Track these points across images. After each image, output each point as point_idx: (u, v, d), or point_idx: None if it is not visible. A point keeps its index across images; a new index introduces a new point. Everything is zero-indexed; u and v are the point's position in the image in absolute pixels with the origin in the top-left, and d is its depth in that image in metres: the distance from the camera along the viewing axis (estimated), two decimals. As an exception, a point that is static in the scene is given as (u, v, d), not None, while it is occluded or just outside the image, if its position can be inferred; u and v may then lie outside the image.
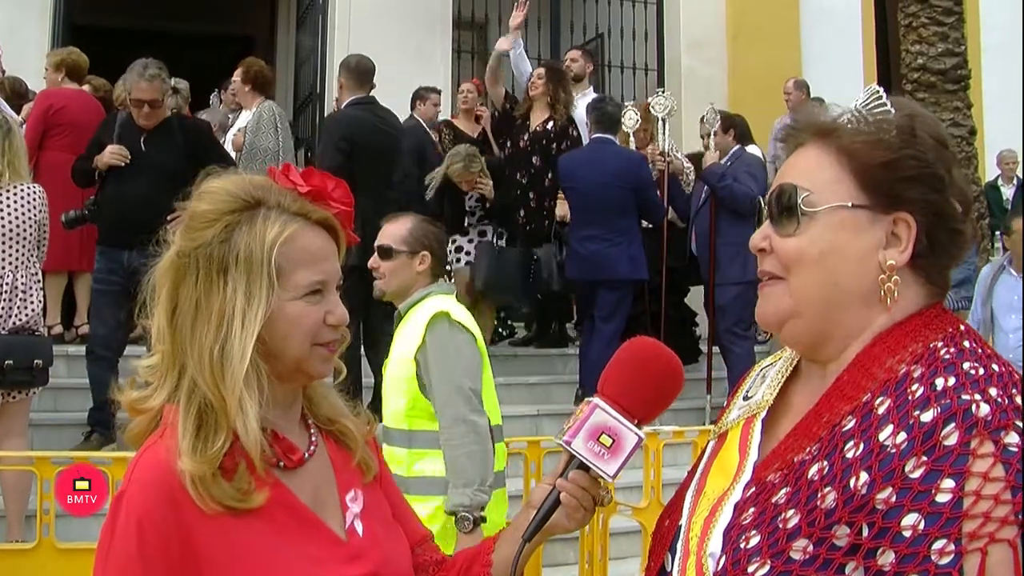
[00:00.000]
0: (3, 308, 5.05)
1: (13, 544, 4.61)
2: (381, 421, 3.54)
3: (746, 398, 1.47)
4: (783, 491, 1.24)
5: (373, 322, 5.97)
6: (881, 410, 1.21)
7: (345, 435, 1.63)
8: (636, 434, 1.48)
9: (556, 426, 1.54)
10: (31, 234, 5.21)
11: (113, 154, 5.79)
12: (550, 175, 7.61)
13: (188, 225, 1.50)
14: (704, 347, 7.67)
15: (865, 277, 1.30)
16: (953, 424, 1.15)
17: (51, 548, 3.94)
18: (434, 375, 3.42)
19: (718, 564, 1.25)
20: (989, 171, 11.10)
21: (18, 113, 7.13)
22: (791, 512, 1.20)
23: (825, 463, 1.21)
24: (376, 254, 3.60)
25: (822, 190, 1.32)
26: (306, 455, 1.54)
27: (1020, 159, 11.07)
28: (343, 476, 1.59)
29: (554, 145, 7.65)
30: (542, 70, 7.93)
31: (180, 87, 7.79)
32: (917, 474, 1.14)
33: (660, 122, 7.70)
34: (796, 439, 1.29)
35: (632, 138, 7.83)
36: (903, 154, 1.29)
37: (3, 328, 5.04)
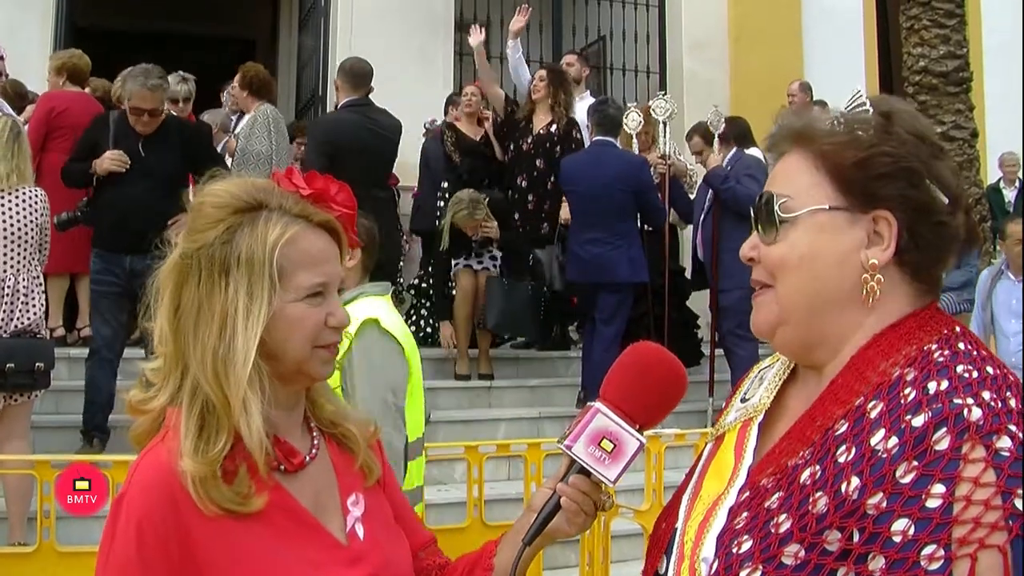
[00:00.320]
0: (5, 311, 5.06)
1: (14, 547, 4.61)
2: None
3: (744, 400, 1.46)
4: (776, 495, 1.23)
5: None
6: (873, 414, 1.20)
7: (348, 438, 1.63)
8: (637, 439, 1.48)
9: (557, 429, 1.54)
10: (33, 237, 5.22)
11: (113, 160, 5.78)
12: (552, 178, 7.61)
13: (191, 227, 1.51)
14: (707, 350, 7.67)
15: (848, 278, 1.29)
16: (944, 429, 1.14)
17: (52, 551, 3.93)
18: (358, 385, 3.21)
19: (711, 569, 1.25)
20: (991, 173, 11.09)
21: (18, 114, 7.13)
22: (783, 517, 1.20)
23: (817, 467, 1.21)
24: None
25: (800, 195, 1.32)
26: (307, 458, 1.54)
27: (1020, 161, 11.05)
28: (345, 479, 1.59)
29: (558, 148, 7.65)
30: (543, 72, 7.94)
31: (189, 78, 7.79)
32: (908, 479, 1.13)
33: (661, 125, 7.70)
34: (790, 443, 1.28)
35: (635, 140, 7.84)
36: (874, 151, 1.28)
37: (5, 331, 5.05)
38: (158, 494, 1.41)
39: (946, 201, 1.29)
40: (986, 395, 1.16)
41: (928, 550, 1.10)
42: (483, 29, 8.15)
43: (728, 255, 6.85)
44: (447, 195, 8.27)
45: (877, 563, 1.12)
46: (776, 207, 1.33)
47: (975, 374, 1.20)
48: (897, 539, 1.11)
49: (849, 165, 1.29)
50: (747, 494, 1.28)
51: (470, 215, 7.19)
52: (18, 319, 5.09)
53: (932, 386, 1.19)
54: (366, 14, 10.08)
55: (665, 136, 7.68)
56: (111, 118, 6.04)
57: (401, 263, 8.91)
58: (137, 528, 1.39)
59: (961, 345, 1.26)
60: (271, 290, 1.46)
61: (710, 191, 7.37)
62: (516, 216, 7.77)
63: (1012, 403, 1.16)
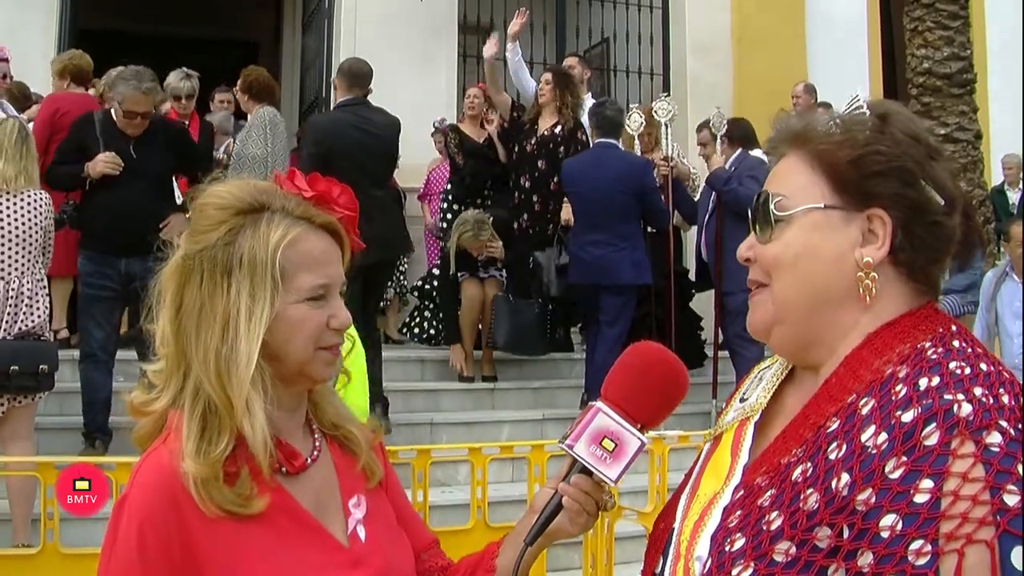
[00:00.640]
0: (9, 313, 5.07)
1: (17, 549, 4.62)
2: None
3: (742, 400, 1.47)
4: (768, 493, 1.23)
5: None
6: (865, 411, 1.21)
7: (350, 440, 1.63)
8: (639, 439, 1.48)
9: (561, 430, 1.54)
10: (38, 239, 5.24)
11: (108, 163, 5.76)
12: (555, 179, 7.61)
13: (193, 228, 1.52)
14: (710, 351, 7.67)
15: (843, 277, 1.30)
16: (934, 424, 1.14)
17: (55, 553, 3.94)
18: None
19: (704, 567, 1.25)
20: (995, 175, 11.08)
21: (21, 114, 7.15)
22: (775, 514, 1.20)
23: (809, 464, 1.21)
24: None
25: (795, 194, 1.33)
26: (308, 460, 1.54)
27: (1021, 163, 11.02)
28: (346, 481, 1.59)
29: (561, 149, 7.65)
30: (549, 75, 7.93)
31: (193, 74, 7.77)
32: (896, 475, 1.13)
33: (663, 127, 7.70)
34: (785, 441, 1.29)
35: (637, 141, 7.84)
36: (868, 150, 1.29)
37: (9, 333, 5.06)
38: (160, 496, 1.41)
39: (942, 202, 1.29)
40: (978, 391, 1.16)
41: (916, 545, 1.09)
42: (498, 41, 8.15)
43: (732, 257, 6.82)
44: (450, 196, 8.29)
45: (866, 559, 1.11)
46: (771, 206, 1.34)
47: (967, 370, 1.19)
48: (885, 534, 1.11)
49: (843, 164, 1.30)
50: (741, 493, 1.28)
51: (475, 236, 7.23)
52: (22, 321, 5.10)
53: (923, 382, 1.19)
54: (369, 16, 10.09)
55: (667, 138, 7.67)
56: (96, 119, 6.00)
57: (406, 265, 8.92)
58: (139, 530, 1.39)
59: (956, 343, 1.25)
60: (273, 291, 1.46)
61: (714, 192, 7.37)
62: (524, 217, 7.77)
63: (1005, 399, 1.16)
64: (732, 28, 11.43)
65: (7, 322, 5.05)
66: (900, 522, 1.11)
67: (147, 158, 5.87)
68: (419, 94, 9.48)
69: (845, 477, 1.16)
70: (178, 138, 6.26)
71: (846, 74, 10.47)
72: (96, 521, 3.64)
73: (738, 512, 1.25)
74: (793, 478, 1.21)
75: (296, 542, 1.47)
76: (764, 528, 1.20)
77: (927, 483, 1.11)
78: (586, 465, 1.48)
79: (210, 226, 1.49)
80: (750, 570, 1.18)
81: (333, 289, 1.53)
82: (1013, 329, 6.27)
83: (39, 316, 5.18)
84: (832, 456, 1.19)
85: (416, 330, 8.15)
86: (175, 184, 6.40)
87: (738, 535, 1.22)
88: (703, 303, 8.06)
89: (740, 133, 7.52)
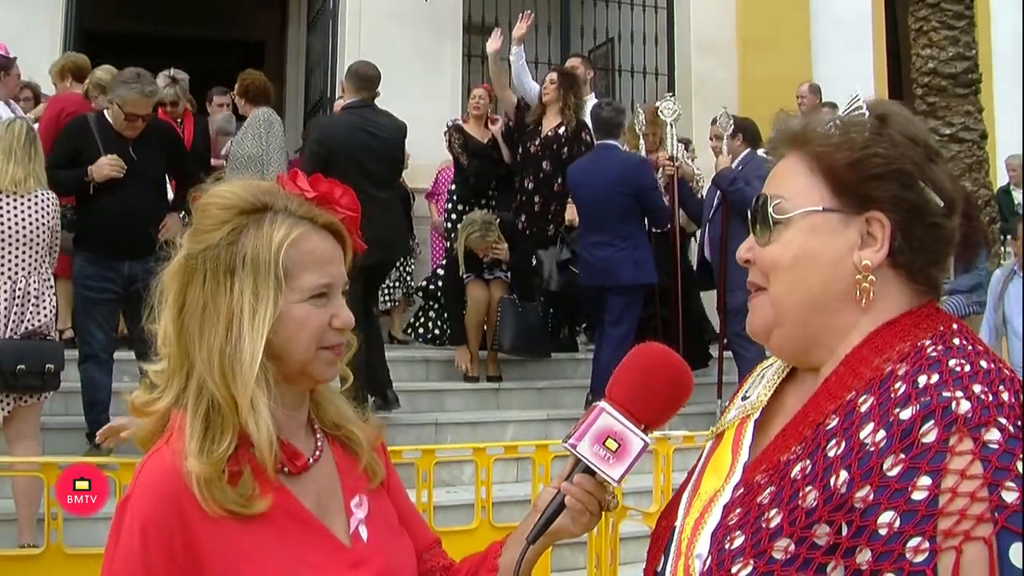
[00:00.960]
0: (16, 313, 5.09)
1: (22, 549, 4.62)
2: None
3: (744, 398, 1.47)
4: (768, 491, 1.23)
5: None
6: (863, 408, 1.20)
7: (352, 440, 1.63)
8: (642, 439, 1.48)
9: (565, 431, 1.54)
10: (45, 240, 5.26)
11: (112, 166, 5.76)
12: (559, 180, 7.61)
13: (196, 228, 1.52)
14: (715, 351, 7.66)
15: (841, 279, 1.30)
16: (932, 421, 1.14)
17: (59, 553, 3.94)
18: None
19: (704, 565, 1.25)
20: (1001, 174, 11.05)
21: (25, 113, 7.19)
22: (774, 512, 1.20)
23: (808, 462, 1.21)
24: None
25: (795, 196, 1.33)
26: (310, 460, 1.54)
27: (1022, 163, 10.99)
28: (348, 481, 1.59)
29: (565, 150, 7.64)
30: (554, 75, 7.92)
31: (180, 77, 7.77)
32: (895, 472, 1.13)
33: (668, 127, 7.69)
34: (784, 439, 1.29)
35: (642, 140, 7.83)
36: (867, 152, 1.29)
37: (15, 333, 5.07)
38: (162, 496, 1.41)
39: (941, 203, 1.29)
40: (977, 388, 1.16)
41: (913, 542, 1.09)
42: (501, 35, 8.15)
43: (735, 257, 6.81)
44: (454, 197, 8.30)
45: (864, 556, 1.11)
46: (770, 208, 1.34)
47: (967, 368, 1.19)
48: (883, 532, 1.11)
49: (842, 166, 1.30)
50: (741, 490, 1.28)
51: (482, 237, 7.25)
52: (29, 321, 5.11)
53: (922, 380, 1.19)
54: (374, 16, 10.10)
55: (672, 138, 7.66)
56: (91, 122, 5.98)
57: (412, 266, 8.92)
58: (141, 530, 1.40)
59: (956, 340, 1.25)
60: (277, 290, 1.46)
61: (719, 191, 7.35)
62: (523, 217, 7.77)
63: (1004, 397, 1.16)
64: (737, 28, 11.43)
65: (14, 321, 5.07)
66: (898, 519, 1.11)
67: (146, 160, 5.89)
68: (424, 94, 9.49)
69: (843, 474, 1.16)
70: (172, 139, 6.29)
71: (851, 74, 10.44)
72: (100, 521, 3.64)
73: (738, 510, 1.26)
74: (792, 476, 1.21)
75: (298, 542, 1.47)
76: (763, 526, 1.20)
77: (925, 480, 1.11)
78: (589, 465, 1.48)
79: (213, 226, 1.49)
80: (749, 567, 1.18)
81: (335, 289, 1.53)
82: (1021, 328, 6.26)
83: (46, 316, 5.20)
84: (831, 454, 1.19)
85: (421, 330, 8.16)
86: (168, 185, 6.43)
87: (738, 533, 1.22)
88: (707, 302, 8.05)
89: (751, 131, 7.48)
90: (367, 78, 6.73)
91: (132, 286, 5.66)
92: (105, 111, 6.04)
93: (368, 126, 6.58)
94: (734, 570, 1.19)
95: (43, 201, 5.27)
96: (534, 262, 7.67)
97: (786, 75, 10.08)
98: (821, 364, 1.33)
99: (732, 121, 7.46)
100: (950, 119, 9.06)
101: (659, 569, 1.40)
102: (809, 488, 1.18)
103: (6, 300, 5.07)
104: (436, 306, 8.03)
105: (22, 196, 5.19)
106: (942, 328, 1.28)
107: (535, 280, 7.62)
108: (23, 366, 4.97)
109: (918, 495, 1.11)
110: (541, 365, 7.84)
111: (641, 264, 6.93)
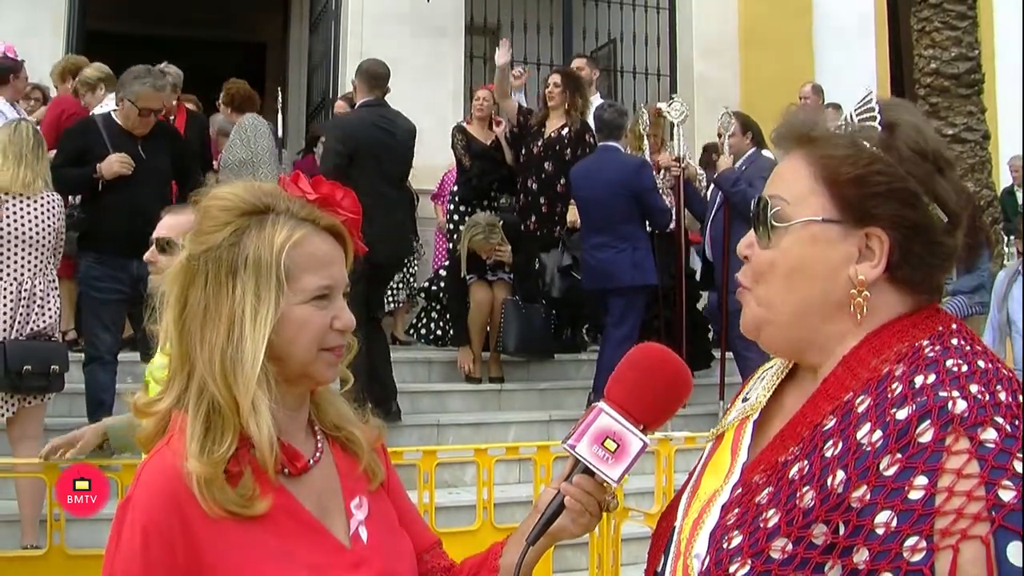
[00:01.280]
0: (22, 314, 5.10)
1: (24, 551, 4.63)
2: None
3: (744, 400, 1.47)
4: (766, 491, 1.24)
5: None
6: (860, 409, 1.21)
7: (352, 442, 1.63)
8: (641, 439, 1.48)
9: (567, 431, 1.54)
10: (50, 242, 5.28)
11: (123, 163, 5.78)
12: (562, 181, 7.61)
13: (198, 229, 1.52)
14: (717, 353, 7.65)
15: (836, 291, 1.29)
16: (928, 421, 1.14)
17: (61, 554, 3.95)
18: None
19: (702, 565, 1.25)
20: (1004, 175, 11.04)
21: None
22: (772, 512, 1.20)
23: (806, 462, 1.21)
24: (155, 247, 3.26)
25: (796, 202, 1.32)
26: (311, 461, 1.55)
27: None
28: (348, 483, 1.60)
29: (568, 151, 7.64)
30: (558, 77, 7.91)
31: (170, 72, 7.73)
32: (891, 471, 1.13)
33: (675, 127, 7.68)
34: (782, 440, 1.29)
35: (646, 141, 7.82)
36: (870, 170, 1.27)
37: (21, 334, 5.09)
38: (163, 497, 1.41)
39: (945, 219, 1.28)
40: (974, 388, 1.16)
41: (910, 542, 1.10)
42: (509, 48, 8.15)
43: (737, 258, 6.78)
44: (456, 198, 8.30)
45: (861, 555, 1.11)
46: (770, 214, 1.34)
47: (964, 368, 1.19)
48: (880, 531, 1.11)
49: (845, 181, 1.28)
50: (739, 491, 1.29)
51: (486, 239, 7.26)
52: (34, 322, 5.13)
53: (919, 380, 1.19)
54: (376, 17, 10.10)
55: (679, 138, 7.65)
56: (98, 122, 6.00)
57: (416, 267, 8.93)
58: (143, 532, 1.40)
59: (954, 341, 1.25)
60: (278, 292, 1.46)
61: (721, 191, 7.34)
62: (532, 219, 7.78)
63: (1001, 396, 1.16)
64: (739, 29, 11.43)
65: (19, 322, 5.08)
66: (895, 519, 1.11)
67: (154, 158, 5.90)
68: (426, 95, 9.48)
69: (840, 474, 1.16)
70: (176, 138, 6.33)
71: (853, 74, 10.43)
72: (102, 522, 3.64)
73: (736, 510, 1.26)
74: (790, 476, 1.22)
75: (298, 543, 1.47)
76: (761, 526, 1.20)
77: (921, 480, 1.11)
78: (588, 465, 1.48)
79: (215, 227, 1.50)
80: (747, 567, 1.18)
81: (337, 291, 1.53)
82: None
83: (50, 317, 5.22)
84: (828, 454, 1.19)
85: (423, 331, 8.16)
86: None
87: (736, 533, 1.23)
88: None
89: (753, 132, 7.44)
90: (379, 76, 6.78)
91: (139, 286, 5.67)
92: (112, 112, 6.05)
93: (385, 124, 6.64)
94: (732, 570, 1.20)
95: (49, 203, 5.30)
96: (537, 264, 7.67)
97: (788, 76, 10.08)
98: (818, 364, 1.33)
99: (733, 120, 7.43)
100: (952, 120, 9.07)
101: (659, 569, 1.40)
102: (807, 488, 1.18)
103: (12, 301, 5.08)
104: (438, 307, 8.04)
105: (29, 198, 5.22)
106: (941, 329, 1.27)
107: (538, 283, 7.63)
108: (29, 367, 4.99)
109: (915, 494, 1.11)
110: (543, 366, 7.84)
111: (640, 265, 6.93)
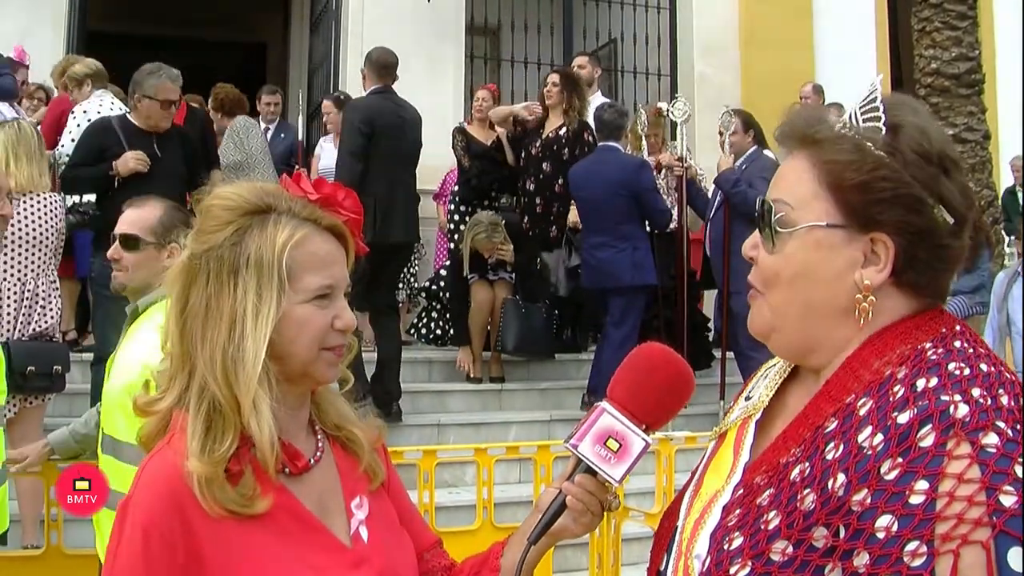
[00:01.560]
0: (24, 314, 5.11)
1: (23, 551, 4.63)
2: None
3: (747, 399, 1.47)
4: (767, 492, 1.23)
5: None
6: (862, 411, 1.20)
7: (352, 441, 1.63)
8: (643, 439, 1.48)
9: (568, 431, 1.54)
10: (53, 242, 5.29)
11: (138, 160, 5.80)
12: (560, 181, 7.62)
13: (200, 229, 1.52)
14: (718, 352, 7.65)
15: (842, 296, 1.28)
16: (930, 425, 1.13)
17: (59, 554, 3.95)
18: None
19: (703, 565, 1.25)
20: (1005, 174, 11.03)
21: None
22: (772, 514, 1.20)
23: (807, 465, 1.21)
24: (118, 243, 3.20)
25: (800, 206, 1.31)
26: (311, 461, 1.55)
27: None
28: (349, 482, 1.60)
29: (566, 150, 7.64)
30: (556, 77, 7.91)
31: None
32: (892, 475, 1.13)
33: (678, 127, 7.67)
34: (784, 441, 1.28)
35: (644, 141, 7.82)
36: (875, 176, 1.26)
37: (23, 334, 5.09)
38: (164, 498, 1.41)
39: (951, 221, 1.26)
40: (975, 392, 1.16)
41: (911, 546, 1.09)
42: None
43: (739, 258, 6.76)
44: (456, 198, 8.30)
45: (862, 559, 1.11)
46: (774, 219, 1.32)
47: (967, 371, 1.19)
48: (881, 535, 1.11)
49: (849, 187, 1.27)
50: (741, 491, 1.28)
51: (488, 237, 7.26)
52: (36, 322, 5.14)
53: (921, 383, 1.18)
54: (377, 18, 10.10)
55: (681, 138, 7.65)
56: (114, 123, 6.04)
57: (417, 267, 8.93)
58: (143, 532, 1.40)
59: (957, 343, 1.24)
60: (280, 291, 1.46)
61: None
62: (526, 220, 7.78)
63: (1003, 401, 1.15)
64: (740, 29, 11.43)
65: (21, 323, 5.09)
66: (896, 523, 1.11)
67: (170, 156, 5.92)
68: (426, 95, 9.48)
69: (841, 478, 1.16)
70: (191, 140, 6.35)
71: (854, 74, 10.43)
72: (93, 518, 3.65)
73: (737, 511, 1.26)
74: (791, 478, 1.22)
75: (299, 542, 1.47)
76: (762, 527, 1.20)
77: (922, 484, 1.11)
78: (590, 465, 1.48)
79: (217, 226, 1.50)
80: (747, 569, 1.18)
81: (338, 290, 1.54)
82: None
83: (52, 317, 5.23)
84: (829, 456, 1.19)
85: (423, 331, 8.16)
86: None
87: (736, 534, 1.23)
88: (708, 302, 8.04)
89: (755, 130, 7.42)
90: (388, 65, 6.87)
91: None
92: (128, 114, 6.09)
93: (398, 109, 6.76)
94: (732, 571, 1.20)
95: (50, 203, 5.31)
96: (539, 264, 7.67)
97: (789, 75, 10.08)
98: (822, 366, 1.32)
99: (734, 119, 7.41)
100: (953, 120, 9.07)
101: (662, 569, 1.40)
102: (807, 491, 1.18)
103: (15, 301, 5.09)
104: (438, 307, 8.04)
105: (33, 198, 5.23)
106: (944, 330, 1.27)
107: (540, 282, 7.63)
108: (32, 368, 4.99)
109: (915, 499, 1.11)
110: (544, 366, 7.84)
111: (640, 265, 6.93)
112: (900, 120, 1.29)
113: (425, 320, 8.16)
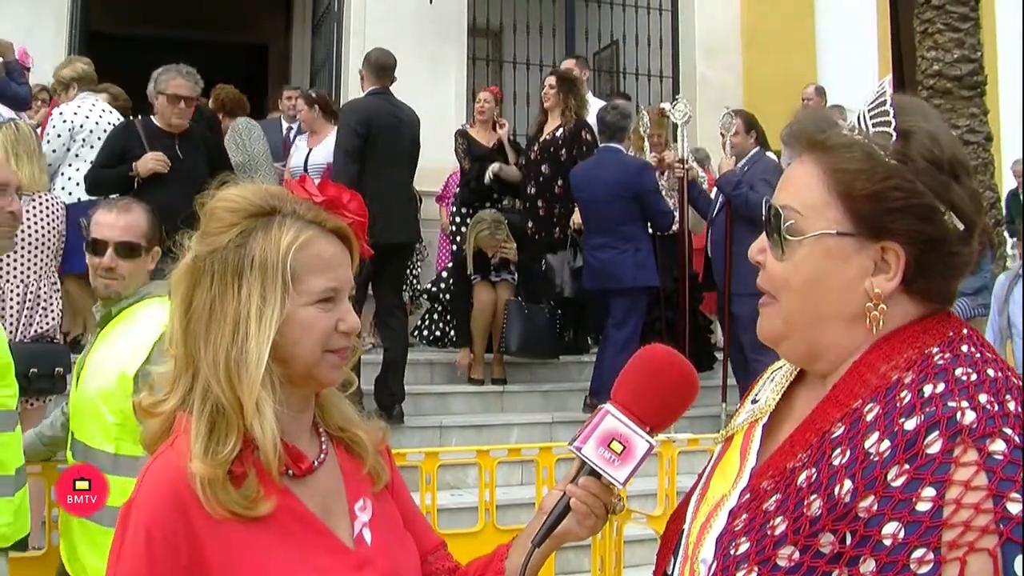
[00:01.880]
0: (26, 315, 5.11)
1: (23, 552, 4.62)
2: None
3: (754, 402, 1.46)
4: (774, 498, 1.23)
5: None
6: (869, 417, 1.20)
7: (356, 443, 1.63)
8: (647, 441, 1.48)
9: (570, 433, 1.54)
10: (54, 243, 5.29)
11: (158, 160, 5.81)
12: (559, 182, 7.62)
13: (204, 230, 1.52)
14: (720, 355, 7.65)
15: (852, 304, 1.27)
16: (936, 432, 1.13)
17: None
18: None
19: (709, 570, 1.25)
20: (1007, 176, 11.02)
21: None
22: (779, 519, 1.20)
23: (813, 470, 1.20)
24: (113, 252, 3.09)
25: (810, 213, 1.29)
26: (315, 463, 1.55)
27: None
28: (352, 484, 1.60)
29: (564, 151, 7.65)
30: (553, 79, 7.93)
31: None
32: (899, 482, 1.12)
33: (679, 128, 7.67)
34: (791, 445, 1.28)
35: (647, 142, 7.82)
36: (886, 185, 1.24)
37: (24, 336, 5.09)
38: (167, 500, 1.41)
39: (961, 227, 1.25)
40: (983, 398, 1.15)
41: (918, 553, 1.09)
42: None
43: (741, 261, 6.78)
44: (458, 200, 8.31)
45: (868, 566, 1.11)
46: (783, 227, 1.31)
47: (973, 377, 1.18)
48: (887, 542, 1.11)
49: (859, 196, 1.26)
50: (747, 496, 1.28)
51: (491, 235, 7.26)
52: (38, 324, 5.14)
53: (927, 389, 1.18)
54: (379, 19, 10.11)
55: (683, 140, 7.65)
56: (138, 124, 6.10)
57: (419, 269, 8.94)
58: (147, 533, 1.40)
59: (964, 348, 1.24)
60: (284, 293, 1.46)
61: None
62: (530, 224, 7.78)
63: (1011, 406, 1.15)
64: (741, 30, 11.43)
65: (23, 324, 5.09)
66: (902, 530, 1.10)
67: (191, 158, 5.94)
68: (428, 97, 9.49)
69: (848, 484, 1.15)
70: (214, 143, 6.41)
71: (856, 76, 10.44)
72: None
73: (744, 516, 1.25)
74: (798, 483, 1.21)
75: (302, 545, 1.47)
76: (768, 533, 1.20)
77: (929, 491, 1.10)
78: (594, 467, 1.48)
79: (221, 228, 1.50)
80: (754, 574, 1.18)
81: (342, 293, 1.53)
82: (1025, 331, 6.24)
83: (53, 319, 5.23)
84: (836, 462, 1.18)
85: (425, 332, 8.16)
86: None
87: (743, 539, 1.22)
88: (710, 304, 8.03)
89: (757, 131, 7.39)
90: (386, 66, 6.89)
91: None
92: (153, 116, 6.13)
93: (396, 111, 6.77)
94: (738, 575, 1.19)
95: (51, 203, 5.31)
96: (543, 266, 7.66)
97: (790, 77, 10.09)
98: (831, 371, 1.31)
99: (735, 120, 7.39)
100: (955, 121, 9.07)
101: (668, 572, 1.40)
102: (814, 496, 1.18)
103: (18, 303, 5.09)
104: (440, 308, 8.04)
105: (34, 198, 5.23)
106: (951, 334, 1.26)
107: (545, 283, 7.62)
108: (35, 369, 4.99)
109: (922, 506, 1.10)
110: (546, 368, 7.84)
111: (643, 266, 6.92)
112: (911, 126, 1.26)
113: (427, 322, 8.16)
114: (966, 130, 9.06)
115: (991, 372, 1.20)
